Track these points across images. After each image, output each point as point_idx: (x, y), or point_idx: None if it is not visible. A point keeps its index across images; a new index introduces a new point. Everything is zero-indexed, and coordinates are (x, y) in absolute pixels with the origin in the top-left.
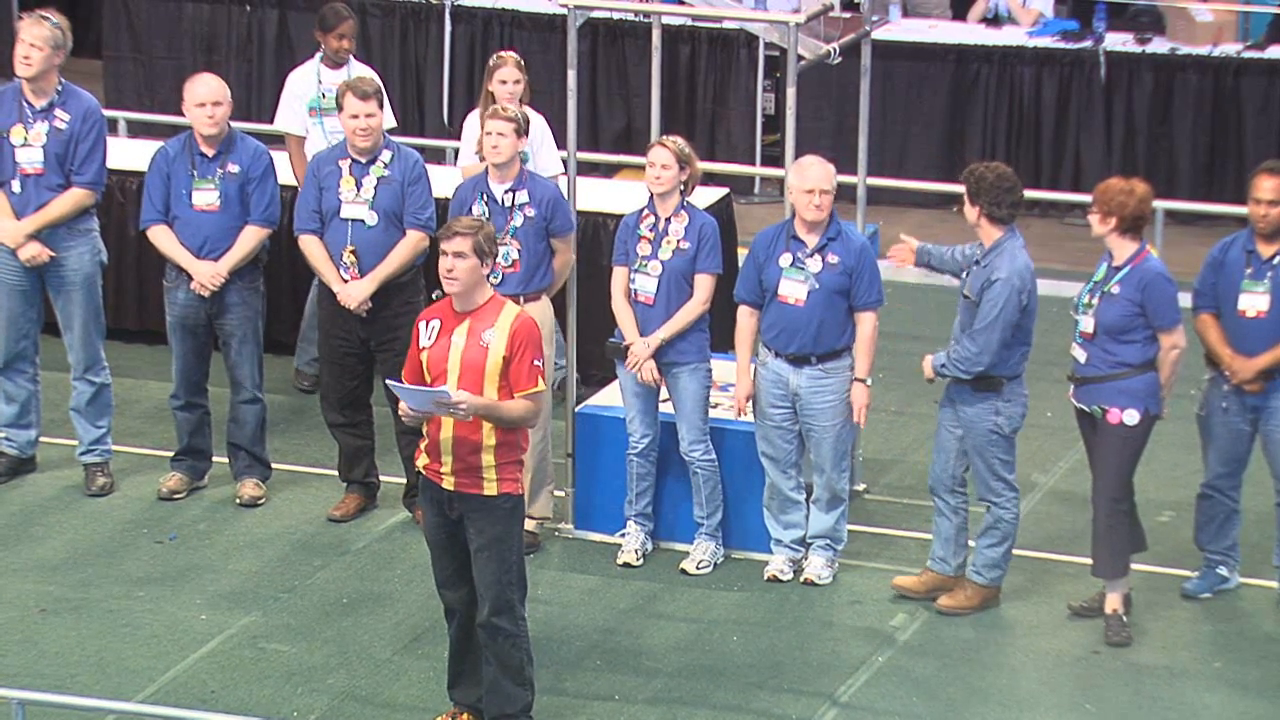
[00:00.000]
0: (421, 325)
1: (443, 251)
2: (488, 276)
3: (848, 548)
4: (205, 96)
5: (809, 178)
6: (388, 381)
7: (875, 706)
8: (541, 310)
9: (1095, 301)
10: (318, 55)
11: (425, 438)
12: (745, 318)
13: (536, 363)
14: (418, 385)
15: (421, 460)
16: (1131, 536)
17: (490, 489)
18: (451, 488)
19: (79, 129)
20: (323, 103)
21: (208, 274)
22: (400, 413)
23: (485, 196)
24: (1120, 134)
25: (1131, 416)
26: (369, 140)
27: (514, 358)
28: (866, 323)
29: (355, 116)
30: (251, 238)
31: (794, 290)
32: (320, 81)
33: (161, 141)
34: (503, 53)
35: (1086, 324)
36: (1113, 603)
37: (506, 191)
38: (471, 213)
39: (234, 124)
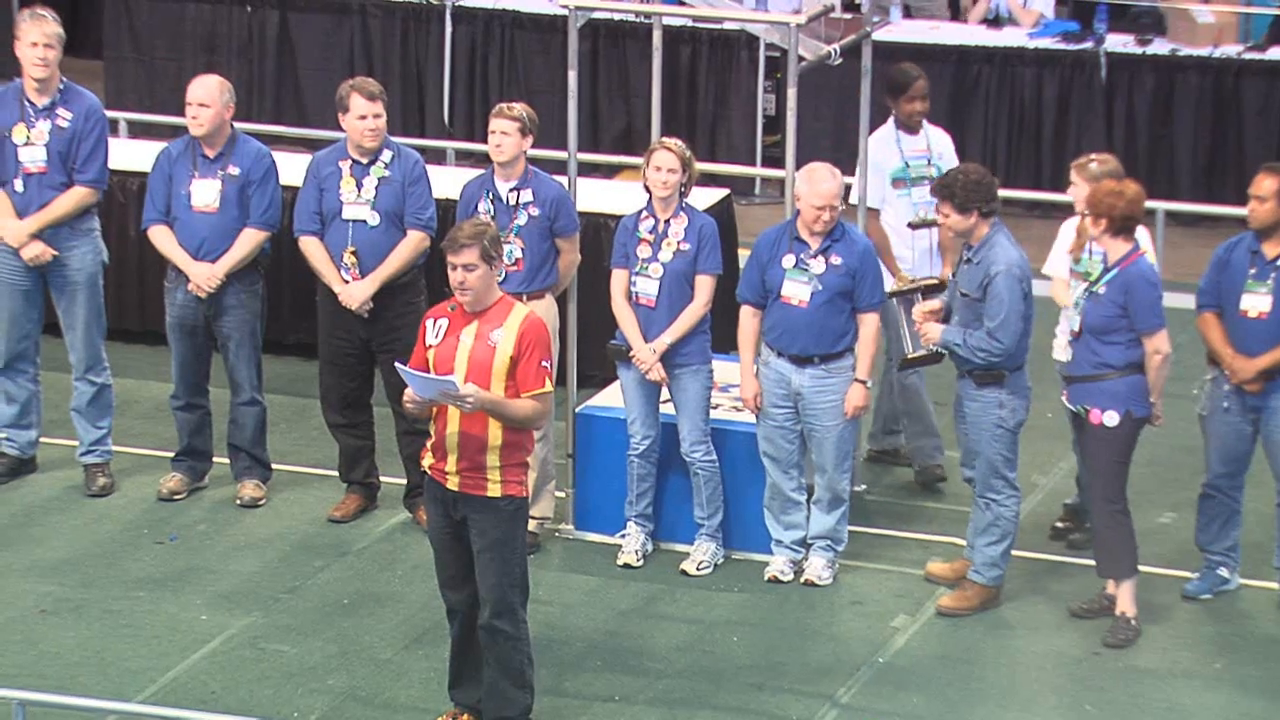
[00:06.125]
0: (428, 323)
1: (451, 265)
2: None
3: (848, 548)
4: (192, 97)
5: (822, 193)
6: (396, 364)
7: (876, 707)
8: (545, 309)
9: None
10: (890, 121)
11: (431, 437)
12: (748, 318)
13: (544, 363)
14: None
15: (427, 460)
16: (1131, 534)
17: (494, 490)
18: (456, 488)
19: (81, 127)
20: (909, 173)
21: (204, 276)
22: (405, 398)
23: (490, 194)
24: (1121, 135)
25: (1111, 418)
26: (377, 141)
27: (522, 358)
28: (869, 324)
29: (363, 117)
30: (249, 240)
31: (797, 291)
32: (901, 151)
33: (163, 142)
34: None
35: (1076, 323)
36: (1124, 603)
37: (511, 190)
38: (477, 210)
39: (236, 125)
